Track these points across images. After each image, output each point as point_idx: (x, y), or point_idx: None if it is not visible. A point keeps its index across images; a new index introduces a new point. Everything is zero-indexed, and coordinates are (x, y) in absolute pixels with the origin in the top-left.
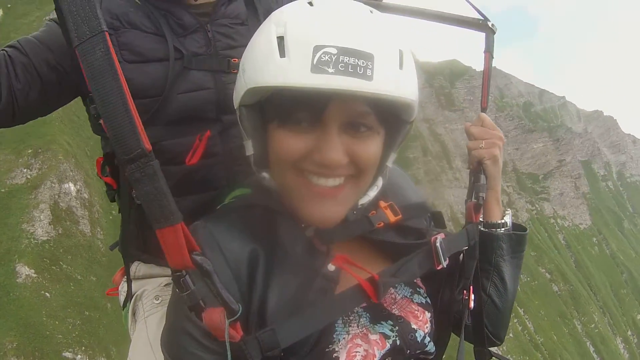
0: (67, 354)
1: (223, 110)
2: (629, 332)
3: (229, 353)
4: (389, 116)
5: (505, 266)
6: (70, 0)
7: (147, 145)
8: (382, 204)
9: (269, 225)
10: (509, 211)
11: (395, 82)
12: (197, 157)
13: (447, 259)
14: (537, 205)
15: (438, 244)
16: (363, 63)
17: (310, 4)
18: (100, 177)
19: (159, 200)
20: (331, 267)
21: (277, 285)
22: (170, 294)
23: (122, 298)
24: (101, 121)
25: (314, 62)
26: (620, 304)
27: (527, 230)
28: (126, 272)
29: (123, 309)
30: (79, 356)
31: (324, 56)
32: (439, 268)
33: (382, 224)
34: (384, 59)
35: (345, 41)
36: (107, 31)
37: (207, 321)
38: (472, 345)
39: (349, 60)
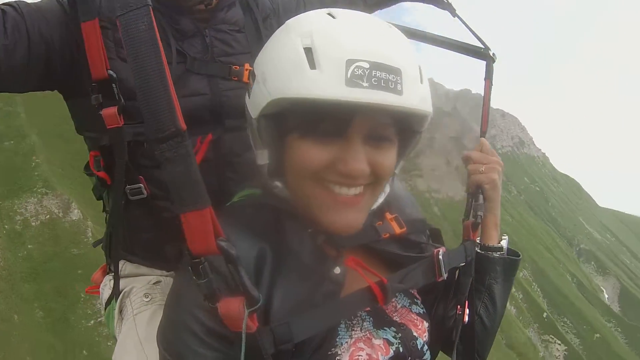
0: None
1: (218, 115)
2: (514, 290)
3: (243, 343)
4: (404, 127)
5: (497, 289)
6: None
7: (183, 125)
8: (388, 215)
9: (277, 226)
10: (506, 237)
11: (419, 96)
12: (199, 159)
13: (447, 272)
14: (410, 182)
15: (441, 257)
16: (393, 78)
17: (331, 15)
18: (92, 172)
19: (189, 183)
20: (337, 270)
21: (283, 285)
22: (169, 291)
23: (104, 296)
24: (102, 111)
25: (348, 75)
26: None
27: (520, 256)
28: (114, 270)
29: (105, 308)
30: None
31: (357, 70)
32: (439, 280)
33: (387, 234)
34: (409, 74)
35: (376, 56)
36: (150, 5)
37: (223, 311)
38: None
39: (380, 75)
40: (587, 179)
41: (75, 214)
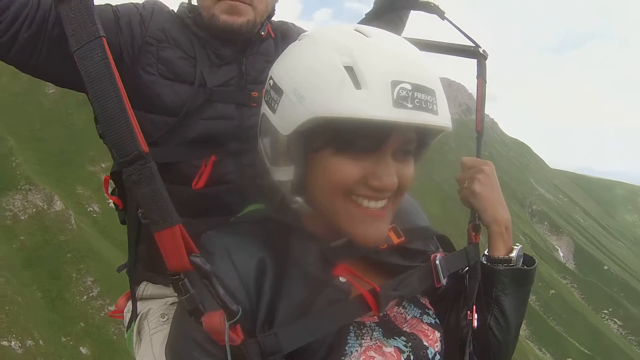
0: (4, 343)
1: (239, 139)
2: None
3: (229, 357)
4: (422, 140)
5: (507, 301)
6: (69, 6)
7: (144, 147)
8: None
9: (281, 237)
10: (518, 247)
11: (448, 114)
12: (203, 181)
13: (447, 277)
14: None
15: (437, 262)
16: (431, 99)
17: (363, 34)
18: (107, 196)
19: (156, 202)
20: (343, 279)
21: (286, 295)
22: (177, 305)
23: (127, 320)
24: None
25: (394, 97)
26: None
27: (535, 265)
28: (131, 293)
29: (127, 330)
30: (13, 342)
31: (402, 91)
32: (438, 286)
33: (385, 245)
34: (440, 94)
35: (416, 78)
36: (104, 37)
37: (206, 325)
38: None
39: (421, 96)
40: (537, 142)
41: (58, 205)
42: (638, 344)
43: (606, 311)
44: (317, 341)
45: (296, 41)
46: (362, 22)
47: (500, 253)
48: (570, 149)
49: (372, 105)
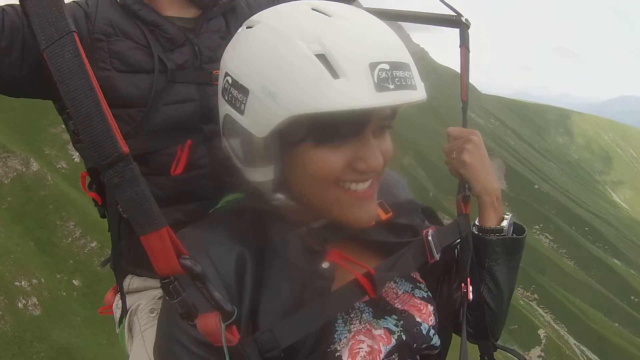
0: (17, 283)
1: (206, 121)
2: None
3: (227, 358)
4: (395, 112)
5: (499, 270)
6: (35, 1)
7: (125, 149)
8: None
9: (260, 228)
10: (509, 215)
11: (422, 84)
12: (181, 167)
13: (440, 252)
14: None
15: (430, 237)
16: (408, 74)
17: (324, 13)
18: (85, 193)
19: (141, 205)
20: (325, 264)
21: (269, 288)
22: (161, 304)
23: (117, 316)
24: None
25: (375, 80)
26: None
27: (525, 233)
28: (119, 288)
29: (118, 326)
30: (23, 282)
31: (381, 73)
32: (431, 261)
33: (374, 222)
34: (413, 65)
35: (391, 55)
36: (75, 32)
37: (202, 327)
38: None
39: (400, 74)
40: (471, 70)
41: (35, 166)
42: (568, 256)
43: (537, 227)
44: None
45: (245, 28)
46: None
47: (491, 223)
48: (506, 74)
49: (355, 94)
